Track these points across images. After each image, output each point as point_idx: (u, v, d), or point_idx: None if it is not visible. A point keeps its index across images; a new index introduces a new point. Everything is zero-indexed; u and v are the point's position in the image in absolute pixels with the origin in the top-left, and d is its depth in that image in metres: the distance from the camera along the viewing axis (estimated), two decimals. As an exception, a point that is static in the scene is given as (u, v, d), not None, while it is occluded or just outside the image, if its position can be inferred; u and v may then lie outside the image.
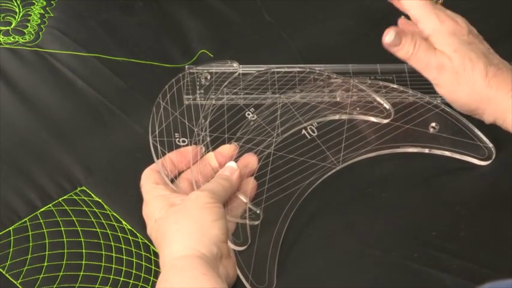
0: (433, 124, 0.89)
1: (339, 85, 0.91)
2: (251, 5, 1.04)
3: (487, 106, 0.82)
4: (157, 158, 0.84)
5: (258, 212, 0.81)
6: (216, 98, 0.90)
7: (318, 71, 0.93)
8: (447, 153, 0.88)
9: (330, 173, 0.86)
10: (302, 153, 0.87)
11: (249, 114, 0.89)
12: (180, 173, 0.84)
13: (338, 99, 0.91)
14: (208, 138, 0.86)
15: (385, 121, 0.89)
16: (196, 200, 0.76)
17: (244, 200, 0.82)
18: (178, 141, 0.86)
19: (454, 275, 0.79)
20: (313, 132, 0.89)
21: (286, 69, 0.93)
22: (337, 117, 0.90)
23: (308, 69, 0.93)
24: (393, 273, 0.79)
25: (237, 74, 0.93)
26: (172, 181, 0.82)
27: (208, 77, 0.93)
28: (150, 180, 0.82)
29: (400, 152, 0.88)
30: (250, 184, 0.83)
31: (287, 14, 1.04)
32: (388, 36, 0.85)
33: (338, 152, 0.87)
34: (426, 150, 0.88)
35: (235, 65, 0.93)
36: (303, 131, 0.89)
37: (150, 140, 0.85)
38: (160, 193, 0.80)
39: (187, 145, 0.86)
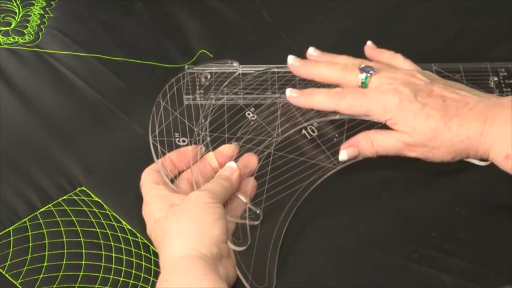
0: None
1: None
2: (251, 5, 1.04)
3: (468, 153, 0.81)
4: (157, 158, 0.84)
5: (257, 212, 0.81)
6: (216, 98, 0.90)
7: None
8: None
9: (330, 173, 0.86)
10: (302, 153, 0.87)
11: (249, 114, 0.89)
12: (180, 173, 0.84)
13: None
14: (208, 138, 0.86)
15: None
16: (197, 200, 0.76)
17: (244, 200, 0.82)
18: (178, 141, 0.86)
19: (454, 275, 0.79)
20: (313, 132, 0.89)
21: (286, 69, 0.93)
22: (337, 117, 0.90)
23: None
24: (393, 273, 0.79)
25: (237, 74, 0.93)
26: (172, 181, 0.82)
27: (208, 77, 0.93)
28: (150, 180, 0.82)
29: None
30: (250, 184, 0.83)
31: (287, 14, 1.03)
32: (342, 156, 0.85)
33: (338, 152, 0.87)
34: (426, 151, 0.88)
35: (235, 64, 0.93)
36: (303, 131, 0.89)
37: (150, 140, 0.85)
38: (160, 193, 0.80)
39: (187, 145, 0.86)
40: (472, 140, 0.80)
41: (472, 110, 0.80)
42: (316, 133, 0.89)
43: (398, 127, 0.82)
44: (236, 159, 0.84)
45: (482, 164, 0.87)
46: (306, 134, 0.89)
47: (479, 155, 0.81)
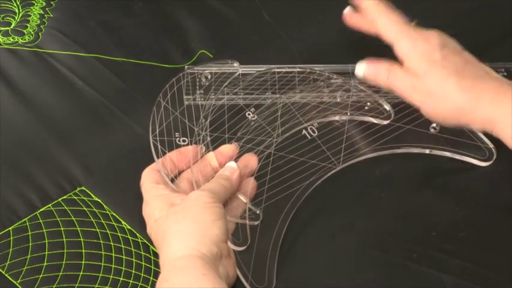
0: (434, 125, 0.89)
1: (339, 85, 0.91)
2: (251, 5, 1.04)
3: (471, 118, 0.81)
4: (158, 158, 0.84)
5: (257, 212, 0.81)
6: (216, 98, 0.90)
7: (318, 71, 0.93)
8: (448, 154, 0.88)
9: (330, 174, 0.86)
10: (302, 153, 0.87)
11: (249, 114, 0.89)
12: (180, 173, 0.84)
13: (338, 100, 0.91)
14: (208, 138, 0.86)
15: (385, 122, 0.89)
16: (197, 200, 0.76)
17: (244, 200, 0.82)
18: (179, 140, 0.86)
19: (454, 275, 0.79)
20: (314, 132, 0.89)
21: (287, 70, 0.93)
22: (337, 117, 0.90)
23: (308, 70, 0.93)
24: (393, 273, 0.79)
25: (237, 74, 0.93)
26: (172, 180, 0.82)
27: (209, 77, 0.93)
28: (150, 180, 0.81)
29: (400, 153, 0.88)
30: (250, 184, 0.83)
31: (287, 14, 1.03)
32: (358, 71, 0.87)
33: (338, 152, 0.87)
34: (427, 151, 0.88)
35: (236, 64, 0.93)
36: (304, 131, 0.89)
37: (151, 140, 0.85)
38: (161, 192, 0.80)
39: (187, 145, 0.86)
40: (480, 104, 0.80)
41: (488, 82, 0.81)
42: (316, 133, 0.89)
43: (414, 67, 0.83)
44: (236, 159, 0.84)
45: (483, 164, 0.87)
46: (307, 134, 0.89)
47: (482, 125, 0.81)
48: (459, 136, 0.88)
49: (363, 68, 0.86)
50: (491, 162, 0.87)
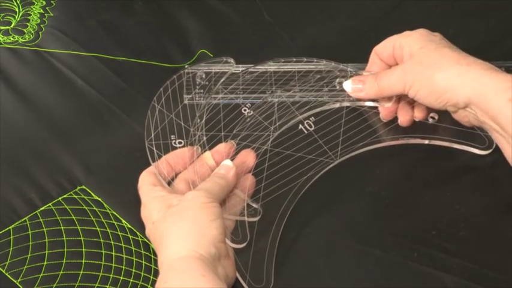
0: (432, 114, 0.89)
1: (336, 76, 0.91)
2: (251, 5, 1.04)
3: (462, 89, 0.80)
4: (154, 162, 0.83)
5: (257, 207, 0.81)
6: (213, 98, 0.90)
7: (315, 61, 0.92)
8: (447, 144, 0.87)
9: (327, 168, 0.85)
10: (299, 148, 0.86)
11: (245, 110, 0.89)
12: (177, 175, 0.84)
13: (337, 88, 0.90)
14: (204, 138, 0.86)
15: (388, 105, 0.88)
16: (193, 200, 0.76)
17: (242, 196, 0.81)
18: (175, 142, 0.85)
19: (454, 275, 0.79)
20: (310, 127, 0.88)
21: (285, 69, 0.92)
22: (337, 105, 0.89)
23: (305, 59, 0.92)
24: (393, 272, 0.79)
25: (230, 72, 0.92)
26: (169, 183, 0.82)
27: (204, 76, 0.92)
28: (147, 182, 0.81)
29: (399, 145, 0.88)
30: (249, 181, 0.82)
31: (287, 14, 1.04)
32: (346, 86, 0.87)
33: (336, 146, 0.86)
34: (426, 141, 0.88)
35: (230, 60, 0.93)
36: (300, 126, 0.88)
37: (146, 144, 0.85)
38: (158, 194, 0.79)
39: (183, 146, 0.85)
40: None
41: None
42: (313, 127, 0.88)
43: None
44: (233, 157, 0.84)
45: (482, 152, 0.87)
46: (303, 129, 0.88)
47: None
48: (458, 125, 0.87)
49: (349, 84, 0.87)
50: (491, 150, 0.87)
